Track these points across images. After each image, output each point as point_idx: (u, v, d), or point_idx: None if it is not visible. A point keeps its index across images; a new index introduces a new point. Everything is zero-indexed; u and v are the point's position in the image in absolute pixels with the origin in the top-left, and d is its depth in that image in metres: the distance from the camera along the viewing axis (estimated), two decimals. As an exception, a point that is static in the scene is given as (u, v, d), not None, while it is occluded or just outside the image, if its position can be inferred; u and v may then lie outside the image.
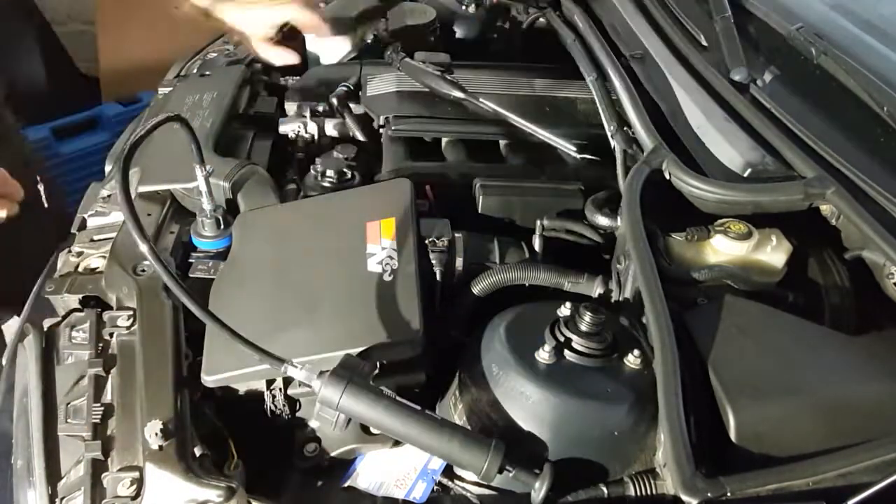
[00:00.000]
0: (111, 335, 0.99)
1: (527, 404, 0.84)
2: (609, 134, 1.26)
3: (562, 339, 0.88)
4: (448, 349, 1.01)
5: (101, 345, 0.98)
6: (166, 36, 2.89)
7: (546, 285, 1.05)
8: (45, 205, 1.94)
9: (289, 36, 1.49)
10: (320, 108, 1.45)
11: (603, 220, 1.11)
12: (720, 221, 1.06)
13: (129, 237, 1.08)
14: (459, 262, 1.09)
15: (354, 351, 0.88)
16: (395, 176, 1.24)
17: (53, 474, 0.88)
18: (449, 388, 0.95)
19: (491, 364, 0.89)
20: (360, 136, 1.41)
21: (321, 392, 0.80)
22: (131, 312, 0.99)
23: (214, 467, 0.84)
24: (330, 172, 1.25)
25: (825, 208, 1.02)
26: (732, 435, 0.79)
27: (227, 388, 0.94)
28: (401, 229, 1.05)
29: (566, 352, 0.87)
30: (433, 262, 1.07)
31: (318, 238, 1.08)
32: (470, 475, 0.87)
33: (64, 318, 1.03)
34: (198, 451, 0.84)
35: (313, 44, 1.76)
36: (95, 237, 1.17)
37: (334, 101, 1.45)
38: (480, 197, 1.20)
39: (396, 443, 0.91)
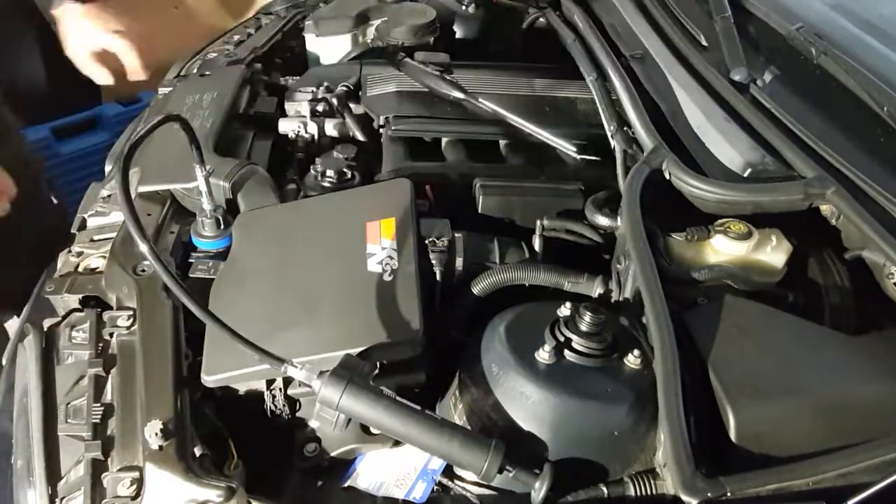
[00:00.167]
0: (111, 335, 0.99)
1: (527, 404, 0.84)
2: (609, 134, 1.26)
3: (562, 339, 0.88)
4: (448, 349, 1.01)
5: (101, 345, 0.98)
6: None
7: (546, 285, 1.05)
8: (55, 201, 1.94)
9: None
10: (320, 108, 1.45)
11: (603, 220, 1.11)
12: (720, 221, 1.06)
13: (129, 237, 1.08)
14: (459, 262, 1.09)
15: (354, 351, 0.88)
16: (395, 176, 1.24)
17: (53, 474, 0.88)
18: (449, 388, 0.95)
19: (491, 364, 0.89)
20: (360, 136, 1.41)
21: (321, 392, 0.80)
22: (131, 312, 0.99)
23: (214, 467, 0.84)
24: (330, 172, 1.25)
25: (825, 208, 1.02)
26: (732, 435, 0.79)
27: (227, 388, 0.94)
28: (401, 229, 1.05)
29: (566, 352, 0.87)
30: (433, 262, 1.07)
31: (318, 238, 1.08)
32: (470, 475, 0.87)
33: (64, 318, 1.03)
34: (198, 451, 0.84)
35: (313, 44, 1.76)
36: (95, 237, 1.17)
37: (334, 101, 1.45)
38: (480, 197, 1.20)
39: (396, 443, 0.91)
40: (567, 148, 1.29)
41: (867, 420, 0.82)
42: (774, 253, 1.04)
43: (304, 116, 1.44)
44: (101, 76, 1.57)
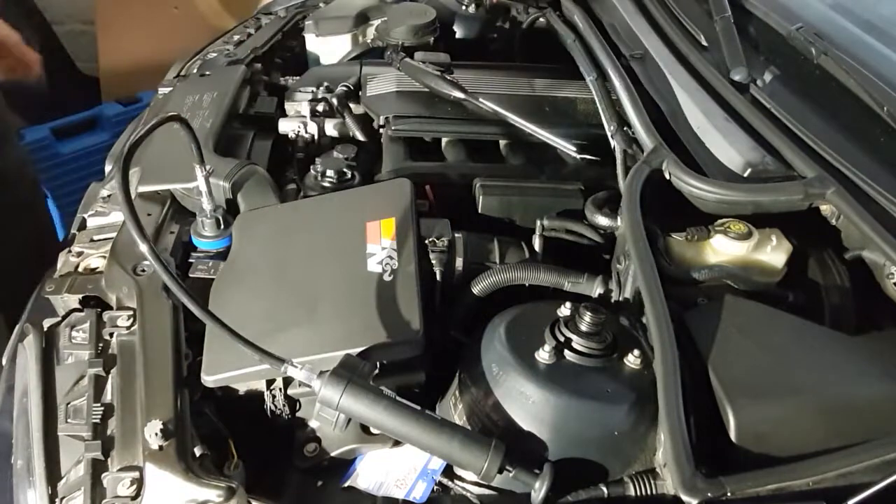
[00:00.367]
0: (111, 335, 0.99)
1: (527, 404, 0.84)
2: (609, 134, 1.26)
3: (562, 339, 0.88)
4: (448, 349, 1.01)
5: (101, 345, 0.98)
6: (166, 36, 2.90)
7: (546, 285, 1.05)
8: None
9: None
10: (320, 108, 1.45)
11: (603, 220, 1.11)
12: (720, 221, 1.06)
13: (129, 237, 1.08)
14: (459, 262, 1.09)
15: (354, 351, 0.88)
16: (395, 176, 1.24)
17: (53, 474, 0.88)
18: (449, 388, 0.95)
19: (491, 364, 0.89)
20: (360, 136, 1.41)
21: (321, 392, 0.80)
22: (131, 312, 0.99)
23: (214, 467, 0.84)
24: (330, 172, 1.25)
25: (825, 208, 1.02)
26: (732, 435, 0.79)
27: (227, 388, 0.94)
28: (401, 229, 1.05)
29: (566, 352, 0.87)
30: (433, 262, 1.07)
31: (318, 238, 1.08)
32: (470, 475, 0.87)
33: (64, 318, 1.03)
34: (198, 451, 0.84)
35: (313, 44, 1.76)
36: (95, 237, 1.17)
37: (334, 101, 1.45)
38: (480, 197, 1.20)
39: (396, 443, 0.91)
40: (567, 148, 1.29)
41: (867, 420, 0.82)
42: (774, 253, 1.04)
43: (304, 116, 1.44)
44: None
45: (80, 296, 1.05)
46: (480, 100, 1.37)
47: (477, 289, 1.05)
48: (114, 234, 1.13)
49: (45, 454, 0.88)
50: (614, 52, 1.41)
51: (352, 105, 1.47)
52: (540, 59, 1.67)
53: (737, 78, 1.25)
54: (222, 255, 1.09)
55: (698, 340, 0.88)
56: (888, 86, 1.09)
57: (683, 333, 0.89)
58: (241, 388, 0.94)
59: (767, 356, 0.88)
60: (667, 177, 1.09)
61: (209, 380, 0.91)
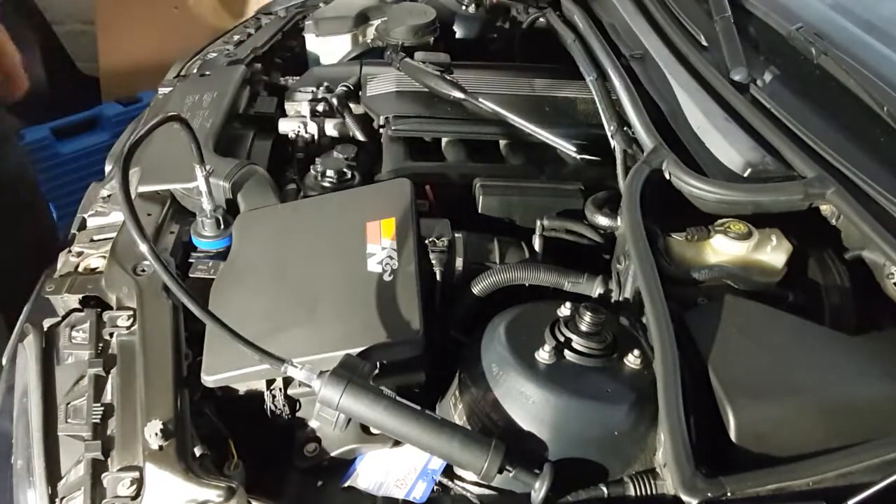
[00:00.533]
0: (111, 335, 0.99)
1: (527, 404, 0.84)
2: (609, 134, 1.26)
3: (562, 339, 0.88)
4: (448, 349, 1.01)
5: (101, 345, 0.98)
6: (166, 36, 2.90)
7: (546, 285, 1.05)
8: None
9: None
10: (320, 108, 1.45)
11: (603, 220, 1.11)
12: (720, 221, 1.06)
13: (129, 237, 1.08)
14: (459, 262, 1.09)
15: (354, 351, 0.88)
16: (395, 176, 1.24)
17: (53, 474, 0.88)
18: (449, 388, 0.95)
19: (491, 364, 0.89)
20: (360, 136, 1.41)
21: (321, 392, 0.80)
22: (131, 312, 0.99)
23: (214, 467, 0.84)
24: (330, 172, 1.25)
25: (825, 208, 1.02)
26: (732, 435, 0.79)
27: (227, 388, 0.94)
28: (401, 229, 1.05)
29: (566, 352, 0.87)
30: (433, 262, 1.07)
31: (318, 238, 1.08)
32: (470, 475, 0.87)
33: (64, 318, 1.03)
34: (198, 451, 0.84)
35: (313, 44, 1.76)
36: (95, 237, 1.17)
37: (334, 101, 1.45)
38: (480, 197, 1.20)
39: (396, 443, 0.91)
40: (567, 148, 1.29)
41: (867, 420, 0.82)
42: (774, 253, 1.04)
43: (304, 116, 1.44)
44: None
45: (80, 296, 1.05)
46: (480, 100, 1.37)
47: (477, 289, 1.05)
48: (114, 234, 1.13)
49: (45, 454, 0.88)
50: (614, 52, 1.41)
51: (352, 105, 1.47)
52: (540, 59, 1.67)
53: (737, 78, 1.25)
54: (222, 255, 1.09)
55: (698, 340, 0.88)
56: (888, 86, 1.09)
57: (683, 333, 0.89)
58: (241, 388, 0.94)
59: (767, 356, 0.88)
60: (667, 177, 1.09)
61: (209, 380, 0.91)
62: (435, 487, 0.87)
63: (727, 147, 1.12)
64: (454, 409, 0.92)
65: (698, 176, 1.06)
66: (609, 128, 1.27)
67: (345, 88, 1.49)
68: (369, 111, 1.43)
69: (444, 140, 1.41)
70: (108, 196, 1.25)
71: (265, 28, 1.81)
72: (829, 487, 0.75)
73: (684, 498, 0.73)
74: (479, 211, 1.21)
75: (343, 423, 0.81)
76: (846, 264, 1.04)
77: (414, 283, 0.97)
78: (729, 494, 0.73)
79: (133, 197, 0.98)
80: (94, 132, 2.76)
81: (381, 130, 1.41)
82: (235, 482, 0.81)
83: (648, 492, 0.81)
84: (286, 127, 1.44)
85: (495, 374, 0.87)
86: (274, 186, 1.21)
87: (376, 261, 1.00)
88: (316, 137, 1.44)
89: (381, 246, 1.03)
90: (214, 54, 1.68)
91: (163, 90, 1.59)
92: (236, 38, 1.77)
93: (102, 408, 0.91)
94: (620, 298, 1.01)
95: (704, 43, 1.38)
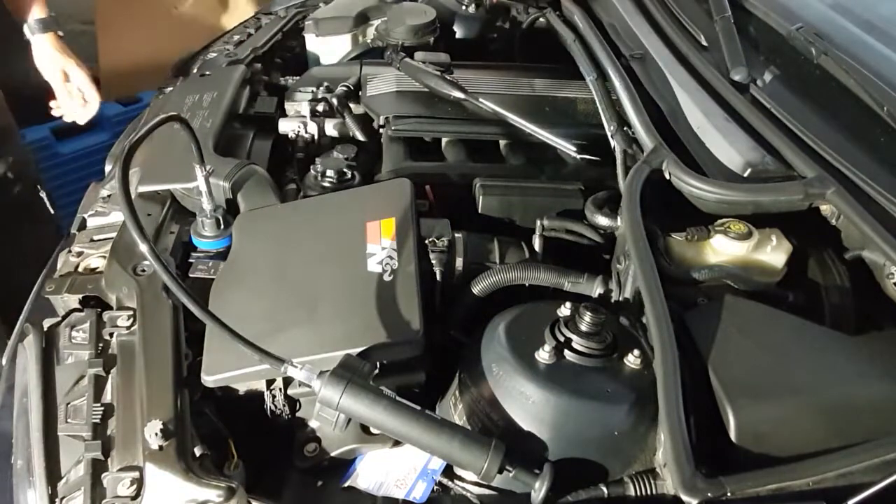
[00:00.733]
0: (111, 335, 0.99)
1: (527, 404, 0.84)
2: (609, 134, 1.26)
3: (562, 339, 0.88)
4: (448, 349, 1.01)
5: (101, 345, 0.98)
6: (166, 36, 2.90)
7: (546, 285, 1.05)
8: (52, 211, 1.96)
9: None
10: (320, 108, 1.45)
11: (603, 220, 1.11)
12: (720, 221, 1.06)
13: (129, 237, 1.08)
14: (459, 262, 1.09)
15: (354, 351, 0.88)
16: (395, 176, 1.24)
17: (53, 474, 0.88)
18: (449, 388, 0.95)
19: (491, 364, 0.89)
20: (360, 136, 1.41)
21: (321, 392, 0.80)
22: (131, 312, 0.99)
23: (214, 467, 0.84)
24: (330, 172, 1.25)
25: (825, 208, 1.02)
26: (732, 435, 0.79)
27: (227, 388, 0.94)
28: (401, 229, 1.05)
29: (566, 352, 0.87)
30: (433, 262, 1.07)
31: (318, 238, 1.08)
32: (470, 475, 0.87)
33: (64, 318, 1.03)
34: (198, 451, 0.84)
35: (313, 44, 1.76)
36: (95, 237, 1.17)
37: (334, 101, 1.45)
38: (480, 197, 1.20)
39: (396, 443, 0.91)
40: (567, 148, 1.29)
41: (867, 420, 0.82)
42: (774, 253, 1.04)
43: (304, 116, 1.44)
44: (66, 101, 1.82)
45: (80, 296, 1.05)
46: (480, 100, 1.37)
47: (477, 289, 1.05)
48: (114, 234, 1.14)
49: (45, 454, 0.88)
50: (614, 52, 1.41)
51: (352, 105, 1.47)
52: (540, 59, 1.67)
53: (737, 78, 1.25)
54: (222, 255, 1.09)
55: (698, 340, 0.88)
56: (888, 86, 1.09)
57: (683, 333, 0.89)
58: (241, 388, 0.94)
59: (767, 356, 0.88)
60: (667, 177, 1.09)
61: (209, 380, 0.91)
62: (435, 487, 0.87)
63: (727, 147, 1.12)
64: (454, 409, 0.92)
65: (698, 176, 1.06)
66: (609, 128, 1.27)
67: (345, 88, 1.49)
68: (369, 111, 1.43)
69: (444, 140, 1.41)
70: (108, 196, 1.25)
71: (265, 28, 1.82)
72: (829, 487, 0.75)
73: (684, 498, 0.73)
74: (479, 211, 1.21)
75: (343, 423, 0.81)
76: (846, 264, 1.04)
77: (414, 283, 0.97)
78: (729, 494, 0.73)
79: (133, 197, 0.98)
80: (94, 132, 2.76)
81: (381, 130, 1.41)
82: (235, 482, 0.81)
83: (648, 492, 0.81)
84: (286, 127, 1.44)
85: (495, 374, 0.87)
86: (274, 186, 1.21)
87: (376, 261, 1.00)
88: (316, 137, 1.44)
89: (381, 246, 1.03)
90: (214, 54, 1.68)
91: (163, 90, 1.59)
92: (236, 38, 1.77)
93: (102, 408, 0.91)
94: (620, 298, 1.01)
95: (704, 43, 1.38)
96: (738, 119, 1.17)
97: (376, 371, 0.86)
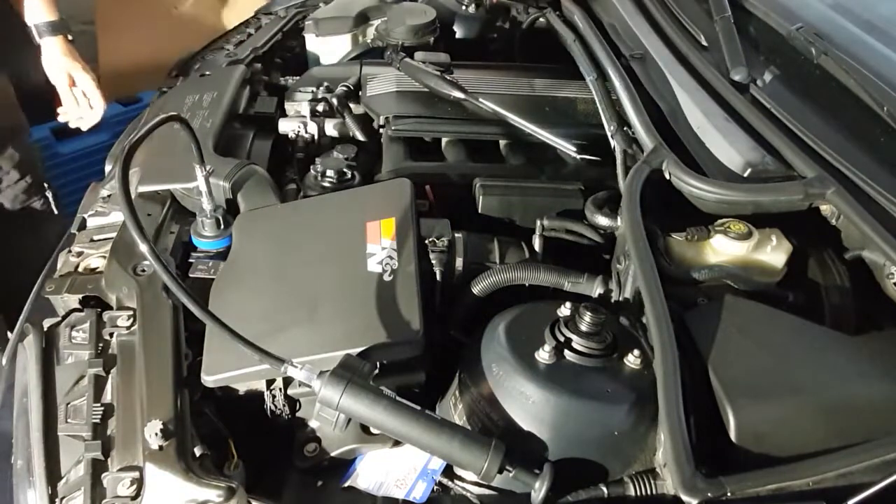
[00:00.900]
0: (111, 335, 0.99)
1: (527, 404, 0.84)
2: (609, 134, 1.26)
3: (562, 339, 0.88)
4: (448, 349, 1.01)
5: (101, 345, 0.98)
6: (166, 36, 2.90)
7: (546, 285, 1.05)
8: (55, 211, 1.97)
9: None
10: (320, 108, 1.45)
11: (603, 220, 1.11)
12: (720, 221, 1.06)
13: (129, 237, 1.08)
14: (459, 262, 1.09)
15: (354, 351, 0.88)
16: (395, 176, 1.24)
17: (53, 474, 0.88)
18: (449, 388, 0.95)
19: (491, 364, 0.89)
20: (360, 136, 1.41)
21: (321, 392, 0.80)
22: (131, 312, 0.99)
23: (214, 467, 0.84)
24: (330, 172, 1.25)
25: (825, 208, 1.02)
26: (732, 435, 0.79)
27: (227, 388, 0.94)
28: (401, 229, 1.05)
29: (566, 352, 0.87)
30: (433, 262, 1.07)
31: (318, 238, 1.08)
32: (470, 475, 0.87)
33: (64, 318, 1.03)
34: (198, 451, 0.84)
35: (313, 44, 1.76)
36: (95, 237, 1.17)
37: (334, 101, 1.45)
38: (480, 197, 1.20)
39: (396, 443, 0.91)
40: (567, 148, 1.29)
41: (867, 420, 0.82)
42: (774, 253, 1.04)
43: (304, 116, 1.44)
44: (71, 105, 1.81)
45: (80, 296, 1.05)
46: (480, 100, 1.37)
47: (477, 289, 1.05)
48: (114, 234, 1.14)
49: (45, 454, 0.88)
50: (614, 52, 1.41)
51: (352, 105, 1.47)
52: (540, 59, 1.67)
53: (737, 78, 1.25)
54: (222, 255, 1.09)
55: (698, 340, 0.88)
56: (888, 86, 1.09)
57: (683, 333, 0.89)
58: (241, 388, 0.94)
59: (767, 356, 0.88)
60: (667, 177, 1.09)
61: (209, 380, 0.91)
62: (435, 487, 0.87)
63: (727, 147, 1.12)
64: (454, 409, 0.92)
65: (698, 176, 1.06)
66: (609, 128, 1.27)
67: (345, 88, 1.49)
68: (369, 111, 1.43)
69: (444, 140, 1.41)
70: (108, 196, 1.25)
71: (265, 28, 1.82)
72: (829, 487, 0.75)
73: (684, 498, 0.73)
74: (479, 211, 1.21)
75: (343, 423, 0.81)
76: (846, 264, 1.04)
77: (414, 283, 0.97)
78: (729, 494, 0.73)
79: (133, 197, 0.98)
80: (94, 132, 2.75)
81: (381, 130, 1.41)
82: (235, 482, 0.81)
83: (648, 492, 0.81)
84: (286, 127, 1.44)
85: (495, 374, 0.87)
86: (274, 186, 1.21)
87: (376, 261, 1.00)
88: (316, 137, 1.44)
89: (381, 246, 1.03)
90: (214, 54, 1.68)
91: (163, 90, 1.59)
92: (236, 38, 1.77)
93: (102, 408, 0.91)
94: (620, 298, 1.01)
95: (704, 43, 1.38)
96: (738, 119, 1.17)
97: (376, 371, 0.86)
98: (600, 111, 1.32)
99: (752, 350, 0.88)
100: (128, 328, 0.98)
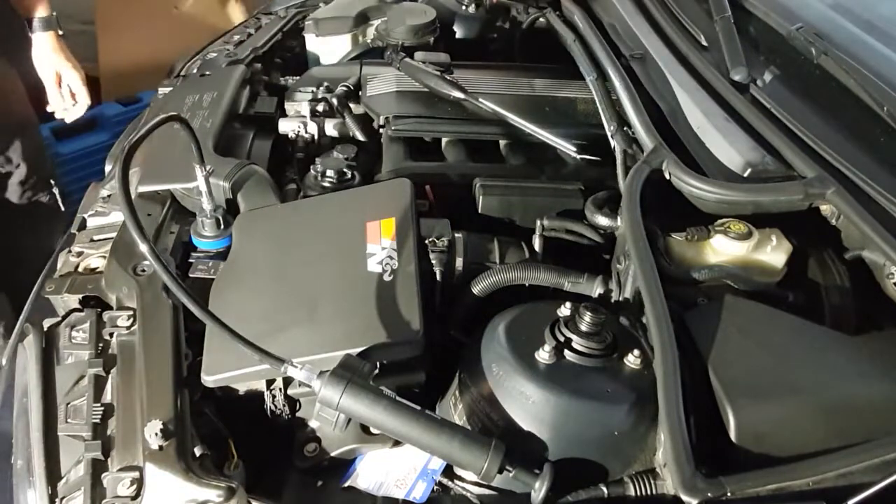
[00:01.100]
0: (111, 335, 0.99)
1: (527, 404, 0.84)
2: (609, 134, 1.26)
3: (562, 339, 0.88)
4: (448, 349, 1.01)
5: (101, 345, 0.98)
6: (166, 36, 2.90)
7: (546, 285, 1.05)
8: (62, 208, 2.00)
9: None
10: (320, 108, 1.45)
11: (603, 220, 1.11)
12: (720, 221, 1.06)
13: (129, 237, 1.08)
14: (459, 262, 1.09)
15: (354, 351, 0.88)
16: (395, 176, 1.24)
17: (53, 474, 0.88)
18: (449, 388, 0.95)
19: (491, 364, 0.89)
20: (360, 136, 1.41)
21: (321, 392, 0.80)
22: (131, 312, 0.99)
23: (214, 467, 0.84)
24: (330, 172, 1.25)
25: (825, 208, 1.02)
26: (732, 435, 0.79)
27: (227, 388, 0.94)
28: (401, 229, 1.05)
29: (566, 352, 0.87)
30: (433, 262, 1.07)
31: (318, 238, 1.08)
32: (470, 475, 0.87)
33: (64, 318, 1.03)
34: (198, 451, 0.84)
35: (313, 44, 1.76)
36: (95, 237, 1.17)
37: (334, 101, 1.45)
38: (480, 197, 1.20)
39: (396, 443, 0.91)
40: (567, 148, 1.29)
41: (867, 420, 0.82)
42: (774, 253, 1.04)
43: (304, 116, 1.44)
44: (56, 99, 1.90)
45: (80, 296, 1.05)
46: (480, 100, 1.37)
47: (477, 289, 1.05)
48: (114, 234, 1.14)
49: (45, 454, 0.88)
50: (614, 52, 1.41)
51: (352, 105, 1.47)
52: (540, 59, 1.67)
53: (737, 78, 1.25)
54: (222, 255, 1.09)
55: (698, 340, 0.88)
56: (888, 86, 1.09)
57: (683, 333, 0.89)
58: (241, 388, 0.94)
59: (767, 356, 0.88)
60: (667, 177, 1.09)
61: (209, 380, 0.91)
62: (435, 487, 0.87)
63: (727, 147, 1.12)
64: (454, 409, 0.92)
65: (698, 176, 1.06)
66: (609, 128, 1.27)
67: (345, 88, 1.49)
68: (369, 111, 1.43)
69: (444, 140, 1.41)
70: (108, 196, 1.25)
71: (265, 28, 1.82)
72: (829, 487, 0.75)
73: (684, 498, 0.73)
74: (479, 211, 1.21)
75: (343, 423, 0.81)
76: (846, 264, 1.04)
77: (414, 283, 0.97)
78: (729, 494, 0.73)
79: (133, 197, 0.98)
80: (94, 132, 2.77)
81: (381, 130, 1.41)
82: (235, 482, 0.81)
83: (648, 492, 0.81)
84: (286, 127, 1.44)
85: (495, 374, 0.87)
86: (274, 186, 1.21)
87: (376, 261, 1.00)
88: (316, 137, 1.44)
89: (381, 246, 1.03)
90: (214, 54, 1.68)
91: (163, 90, 1.59)
92: (236, 38, 1.77)
93: (102, 408, 0.91)
94: (620, 298, 1.01)
95: (704, 43, 1.38)
96: (738, 119, 1.17)
97: (376, 371, 0.86)
98: (600, 111, 1.32)
99: (752, 350, 0.88)
100: (128, 328, 0.98)
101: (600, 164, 1.28)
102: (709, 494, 0.73)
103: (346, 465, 0.92)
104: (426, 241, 1.08)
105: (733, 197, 1.03)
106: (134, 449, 0.85)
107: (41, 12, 1.83)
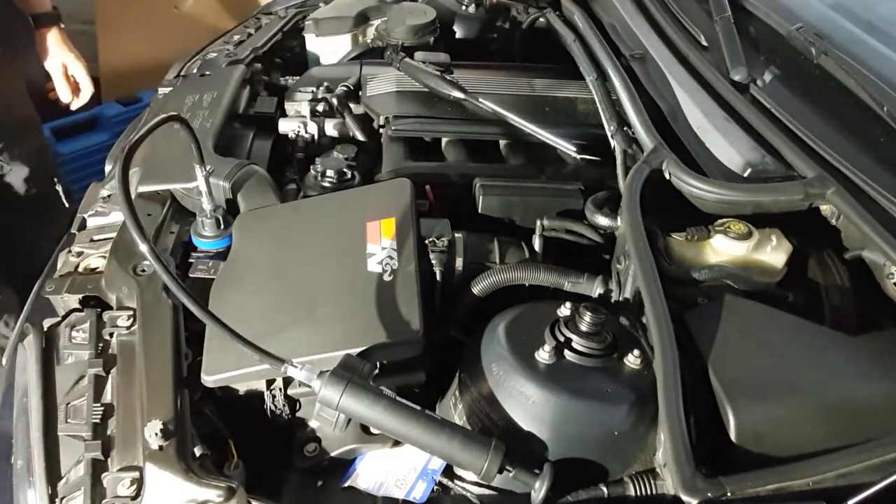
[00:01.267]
0: (111, 335, 0.99)
1: (527, 404, 0.84)
2: (609, 134, 1.26)
3: (562, 339, 0.88)
4: (448, 349, 1.01)
5: (101, 345, 0.98)
6: (166, 36, 2.90)
7: (546, 285, 1.05)
8: (66, 205, 2.03)
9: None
10: (320, 108, 1.45)
11: (603, 220, 1.11)
12: (720, 221, 1.06)
13: (129, 237, 1.08)
14: (459, 262, 1.09)
15: (354, 351, 0.88)
16: (395, 176, 1.24)
17: (53, 474, 0.88)
18: (449, 388, 0.95)
19: (491, 364, 0.89)
20: (360, 136, 1.41)
21: (321, 392, 0.80)
22: (131, 312, 0.99)
23: (214, 467, 0.84)
24: (330, 172, 1.25)
25: (825, 208, 1.02)
26: (732, 435, 0.79)
27: (227, 388, 0.94)
28: (401, 229, 1.05)
29: (566, 352, 0.87)
30: (433, 262, 1.07)
31: (318, 238, 1.08)
32: (470, 475, 0.87)
33: (64, 318, 1.03)
34: (198, 451, 0.84)
35: (313, 44, 1.76)
36: (95, 237, 1.17)
37: (334, 101, 1.45)
38: (480, 197, 1.20)
39: (396, 443, 0.91)
40: (567, 148, 1.29)
41: (867, 420, 0.82)
42: (774, 253, 1.04)
43: (304, 116, 1.44)
44: (64, 89, 1.98)
45: (80, 296, 1.05)
46: (480, 100, 1.37)
47: (477, 289, 1.05)
48: (114, 234, 1.14)
49: (45, 454, 0.88)
50: (614, 52, 1.41)
51: (352, 105, 1.47)
52: (540, 59, 1.67)
53: (737, 78, 1.25)
54: (222, 255, 1.09)
55: (698, 340, 0.88)
56: (888, 86, 1.09)
57: (683, 333, 0.89)
58: (241, 388, 0.94)
59: (767, 356, 0.88)
60: (667, 177, 1.09)
61: (209, 380, 0.91)
62: (435, 487, 0.87)
63: (727, 147, 1.12)
64: (454, 409, 0.92)
65: (698, 176, 1.06)
66: (609, 128, 1.27)
67: (345, 88, 1.49)
68: (369, 111, 1.43)
69: (444, 140, 1.41)
70: (108, 196, 1.25)
71: (265, 28, 1.82)
72: (829, 487, 0.75)
73: (684, 498, 0.73)
74: (479, 211, 1.21)
75: (343, 423, 0.81)
76: (846, 264, 1.04)
77: (414, 283, 0.97)
78: (729, 494, 0.73)
79: (133, 197, 0.98)
80: (94, 132, 2.77)
81: (381, 130, 1.41)
82: (235, 482, 0.81)
83: (648, 492, 0.81)
84: (286, 127, 1.44)
85: (495, 374, 0.87)
86: (274, 186, 1.21)
87: (376, 261, 1.00)
88: (316, 137, 1.44)
89: (381, 246, 1.03)
90: (214, 54, 1.68)
91: (163, 90, 1.59)
92: (236, 38, 1.77)
93: (102, 408, 0.91)
94: (620, 298, 1.01)
95: (704, 43, 1.38)
96: (738, 119, 1.17)
97: (376, 371, 0.86)
98: (600, 111, 1.32)
99: (752, 350, 0.88)
100: (128, 328, 0.98)
101: (600, 164, 1.28)
102: (709, 494, 0.73)
103: (346, 465, 0.92)
104: (426, 241, 1.08)
105: (733, 197, 1.03)
106: (134, 449, 0.85)
107: (46, 7, 1.92)
